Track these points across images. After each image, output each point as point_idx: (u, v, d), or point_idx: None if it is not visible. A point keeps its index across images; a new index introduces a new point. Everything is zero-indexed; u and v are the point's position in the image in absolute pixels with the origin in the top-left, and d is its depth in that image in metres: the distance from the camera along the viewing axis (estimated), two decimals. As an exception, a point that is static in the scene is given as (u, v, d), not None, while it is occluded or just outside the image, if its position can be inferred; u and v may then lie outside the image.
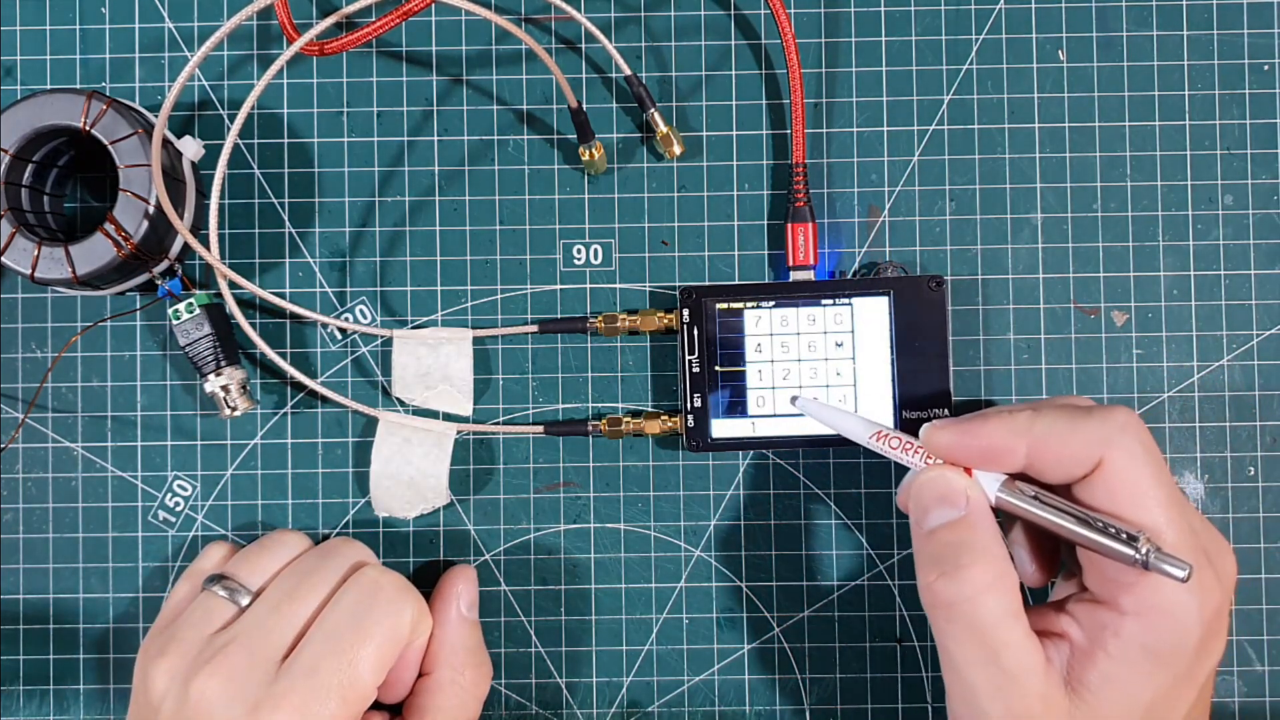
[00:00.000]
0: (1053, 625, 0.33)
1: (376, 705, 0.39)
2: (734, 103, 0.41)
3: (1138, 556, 0.31)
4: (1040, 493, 0.33)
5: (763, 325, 0.39)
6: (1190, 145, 0.41)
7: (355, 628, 0.34)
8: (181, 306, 0.39)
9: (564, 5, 0.39)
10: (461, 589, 0.38)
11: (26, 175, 0.38)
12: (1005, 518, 0.34)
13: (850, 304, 0.39)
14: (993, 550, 0.32)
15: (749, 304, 0.39)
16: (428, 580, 0.40)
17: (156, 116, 0.37)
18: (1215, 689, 0.41)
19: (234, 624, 0.35)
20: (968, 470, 0.34)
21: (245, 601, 0.36)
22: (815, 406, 0.38)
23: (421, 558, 0.41)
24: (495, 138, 0.41)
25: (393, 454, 0.40)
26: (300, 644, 0.34)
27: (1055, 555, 0.36)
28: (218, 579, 0.37)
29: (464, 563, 0.41)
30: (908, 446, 0.35)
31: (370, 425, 0.41)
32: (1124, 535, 0.31)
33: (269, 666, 0.34)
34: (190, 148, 0.39)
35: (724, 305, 0.39)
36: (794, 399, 0.39)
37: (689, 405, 0.39)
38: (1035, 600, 0.40)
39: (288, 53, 0.37)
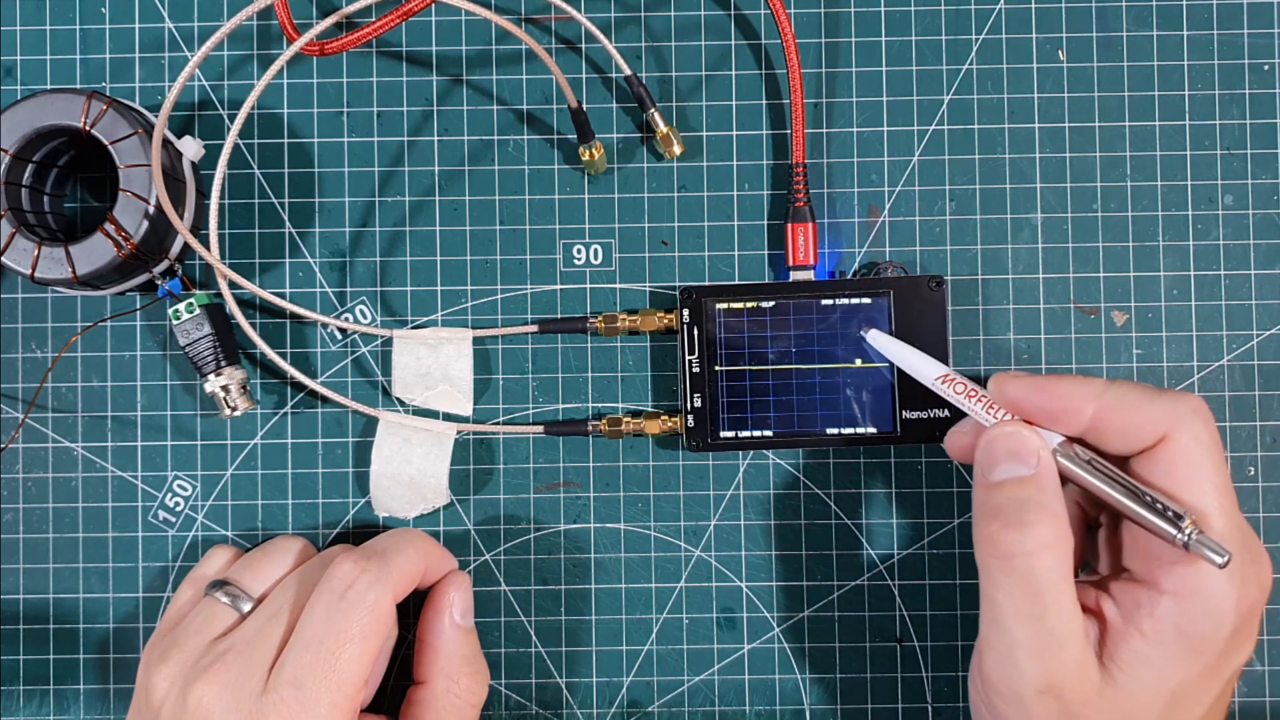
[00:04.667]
0: (1088, 601, 0.34)
1: (374, 708, 0.39)
2: (734, 103, 0.41)
3: (1179, 536, 0.31)
4: (1095, 458, 0.33)
5: (763, 325, 0.39)
6: (1190, 145, 0.41)
7: (332, 633, 0.34)
8: (181, 306, 0.39)
9: (564, 5, 0.39)
10: (455, 597, 0.38)
11: (26, 175, 0.38)
12: None
13: (850, 304, 0.39)
14: (1057, 511, 0.33)
15: (749, 304, 0.39)
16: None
17: (156, 116, 0.37)
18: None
19: (234, 631, 0.35)
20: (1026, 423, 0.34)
21: (247, 608, 0.36)
22: (885, 340, 0.39)
23: (421, 558, 0.41)
24: (495, 138, 0.41)
25: (393, 454, 0.40)
26: (282, 655, 0.34)
27: (1082, 548, 0.37)
28: (220, 585, 0.37)
29: (462, 565, 0.41)
30: (972, 394, 0.35)
31: (370, 425, 0.41)
32: (1170, 513, 0.32)
33: (265, 676, 0.34)
34: (190, 148, 0.39)
35: (724, 305, 0.39)
36: (863, 331, 0.39)
37: (689, 405, 0.39)
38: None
39: (288, 53, 0.37)
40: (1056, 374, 0.35)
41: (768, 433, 0.39)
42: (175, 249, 0.39)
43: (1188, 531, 0.31)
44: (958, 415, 0.40)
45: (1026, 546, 0.32)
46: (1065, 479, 0.34)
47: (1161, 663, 0.32)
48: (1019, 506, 0.33)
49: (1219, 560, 0.31)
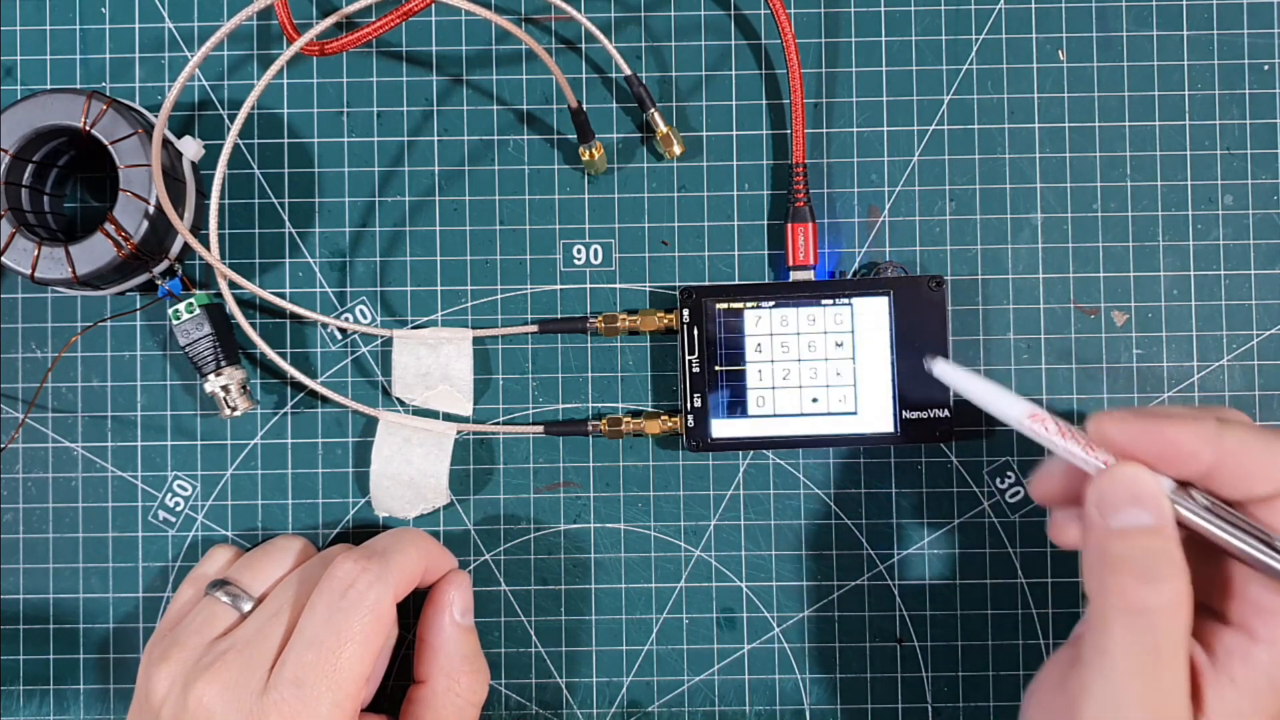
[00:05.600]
0: None
1: (374, 708, 0.39)
2: (734, 103, 0.41)
3: None
4: (1215, 504, 0.31)
5: (763, 325, 0.39)
6: (1190, 145, 0.41)
7: (333, 632, 0.34)
8: (181, 306, 0.39)
9: (564, 5, 0.39)
10: (454, 595, 0.38)
11: (26, 175, 0.38)
12: None
13: (850, 304, 0.39)
14: (1184, 566, 0.31)
15: (749, 304, 0.39)
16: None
17: (156, 116, 0.37)
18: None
19: (235, 631, 0.35)
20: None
21: (247, 608, 0.36)
22: (955, 373, 0.34)
23: (421, 558, 0.41)
24: (495, 138, 0.41)
25: (393, 454, 0.40)
26: (283, 654, 0.34)
27: None
28: (221, 584, 0.37)
29: (462, 565, 0.41)
30: (1066, 433, 0.32)
31: (370, 425, 0.41)
32: None
33: (266, 675, 0.34)
34: (190, 148, 0.39)
35: (724, 305, 0.39)
36: (929, 360, 0.34)
37: (689, 405, 0.39)
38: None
39: (288, 53, 0.37)
40: (1163, 409, 0.32)
41: (768, 433, 0.39)
42: (175, 249, 0.39)
43: None
44: (958, 415, 0.40)
45: (1160, 603, 0.30)
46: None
47: (1250, 713, 0.31)
48: (1149, 558, 0.31)
49: None
